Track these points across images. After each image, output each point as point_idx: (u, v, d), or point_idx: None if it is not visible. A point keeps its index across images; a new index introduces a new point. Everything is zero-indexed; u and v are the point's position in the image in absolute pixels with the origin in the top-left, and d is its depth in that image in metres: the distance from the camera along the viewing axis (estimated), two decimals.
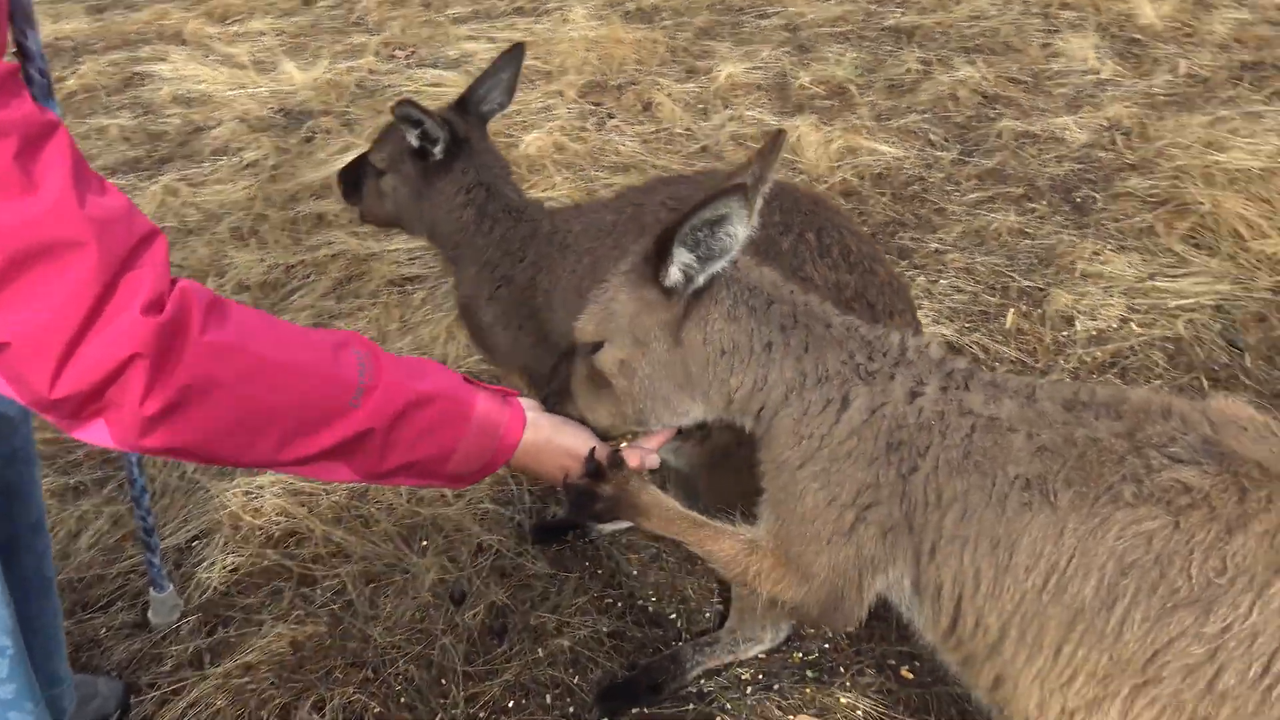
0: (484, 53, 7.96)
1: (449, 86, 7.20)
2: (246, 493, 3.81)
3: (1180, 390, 4.07)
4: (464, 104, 3.39)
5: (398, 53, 8.29)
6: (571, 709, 3.04)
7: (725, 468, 2.77)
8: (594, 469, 2.17)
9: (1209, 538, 1.68)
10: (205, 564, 3.56)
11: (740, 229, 1.97)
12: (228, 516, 3.71)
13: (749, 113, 6.62)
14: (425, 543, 3.63)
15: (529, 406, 2.28)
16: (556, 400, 2.31)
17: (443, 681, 3.15)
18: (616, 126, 6.62)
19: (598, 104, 6.97)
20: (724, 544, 2.17)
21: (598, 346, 2.18)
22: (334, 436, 1.93)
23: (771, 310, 2.11)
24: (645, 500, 2.19)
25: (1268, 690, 1.60)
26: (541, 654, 3.20)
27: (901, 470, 1.96)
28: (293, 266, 5.27)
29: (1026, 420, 1.90)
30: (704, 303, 2.11)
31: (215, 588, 3.49)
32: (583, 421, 2.30)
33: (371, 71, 7.88)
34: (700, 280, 2.07)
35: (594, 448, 2.21)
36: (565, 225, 3.13)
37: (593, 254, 2.95)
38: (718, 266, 2.05)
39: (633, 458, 2.26)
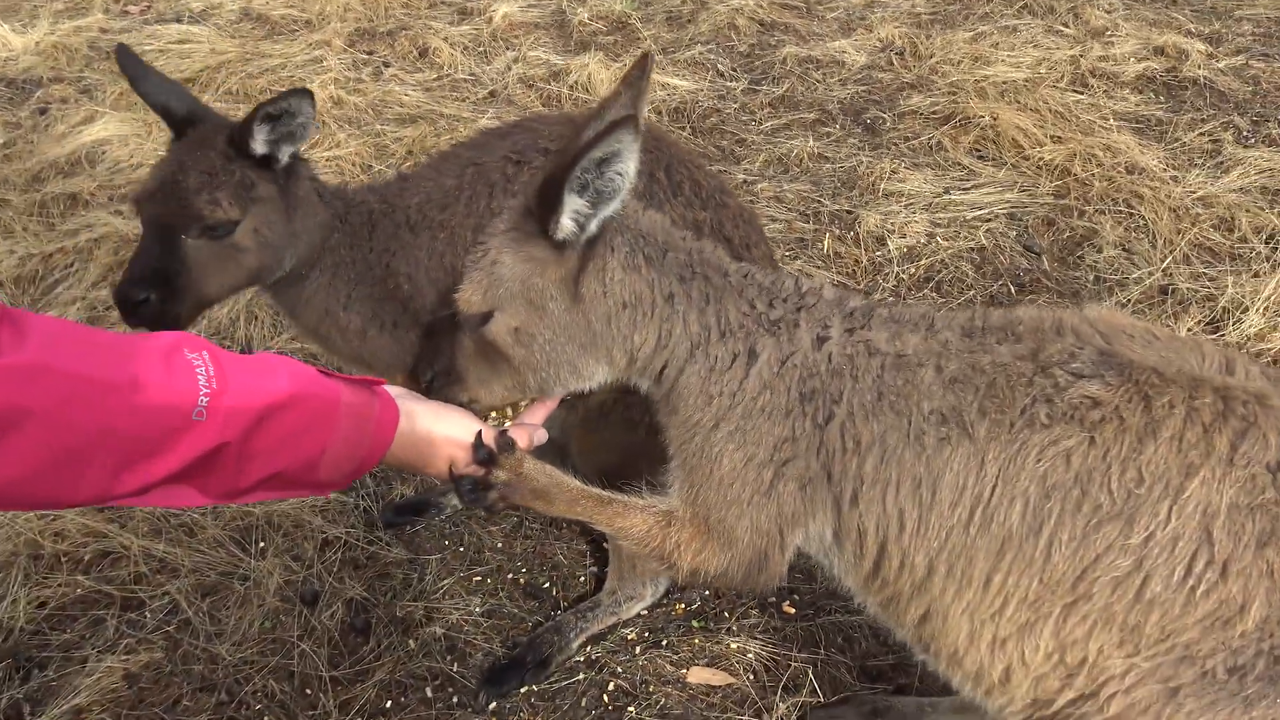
0: (230, 3, 7.30)
1: (197, 42, 6.56)
2: (42, 515, 3.35)
3: (991, 298, 4.27)
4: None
5: (130, 8, 7.48)
6: (456, 698, 2.87)
7: (601, 429, 2.64)
8: (485, 455, 2.00)
9: (1124, 450, 1.71)
10: (5, 602, 3.12)
11: (630, 165, 1.83)
12: (25, 545, 3.26)
13: (533, 53, 6.39)
14: (262, 544, 3.33)
15: (399, 394, 2.07)
16: (443, 384, 2.11)
17: (308, 691, 2.90)
18: (395, 75, 6.23)
19: (370, 52, 6.54)
20: (635, 519, 2.06)
21: (486, 318, 2.00)
22: (179, 457, 1.67)
23: (668, 259, 1.99)
24: (544, 483, 2.04)
25: (1191, 591, 1.66)
26: (414, 645, 3.00)
27: (817, 420, 1.91)
28: (50, 256, 4.67)
29: (932, 353, 1.88)
30: (599, 253, 1.96)
31: (22, 627, 3.07)
32: (472, 404, 2.11)
33: (103, 30, 7.07)
34: (593, 227, 1.91)
35: (480, 431, 2.03)
36: (400, 201, 2.81)
37: (446, 226, 2.70)
38: (610, 209, 1.90)
39: (521, 436, 2.10)
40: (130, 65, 2.71)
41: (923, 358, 1.87)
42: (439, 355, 2.11)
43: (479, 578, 3.21)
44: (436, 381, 2.12)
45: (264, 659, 2.97)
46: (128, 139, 5.47)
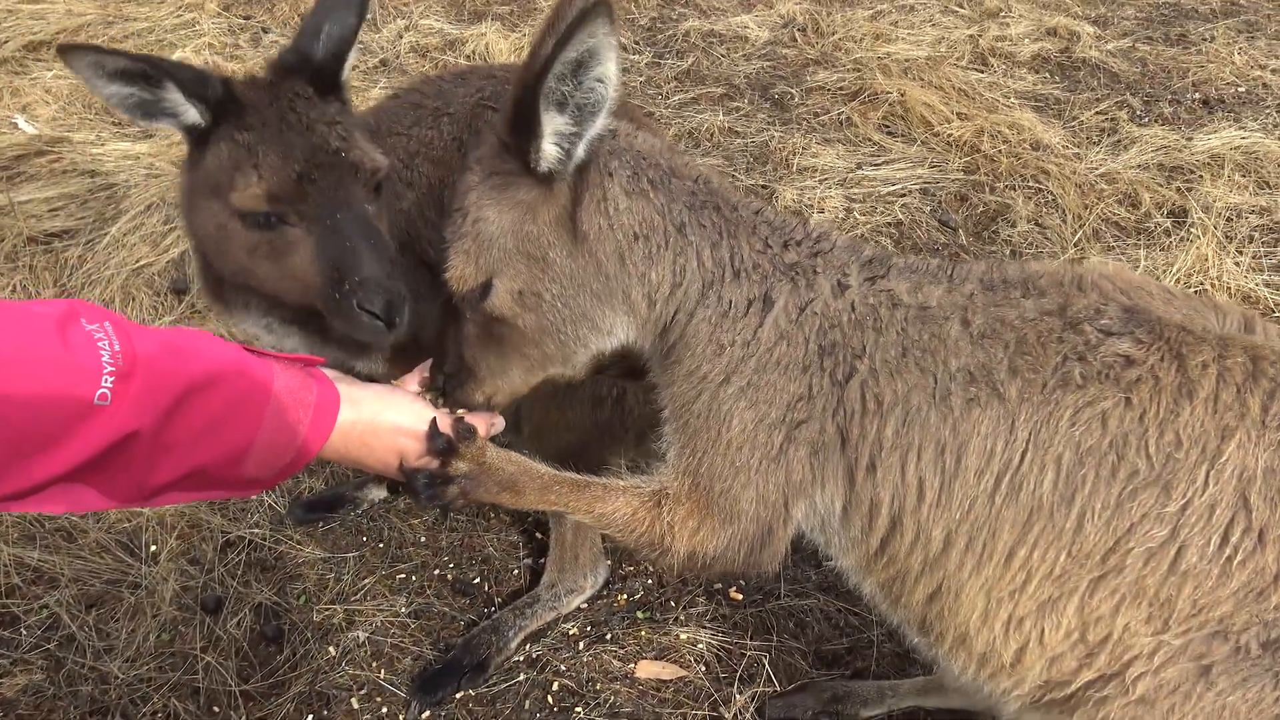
0: None
1: (51, 2, 6.00)
2: None
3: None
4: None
5: None
6: (385, 709, 2.62)
7: (565, 405, 2.43)
8: (443, 445, 1.76)
9: (1161, 411, 1.60)
10: None
11: (611, 67, 1.62)
12: None
13: (424, 22, 6.07)
14: (154, 547, 3.00)
15: (337, 377, 1.81)
16: (458, 384, 1.86)
17: (216, 709, 2.62)
18: (275, 41, 5.82)
19: (247, 17, 6.10)
20: (619, 503, 1.85)
21: (485, 289, 1.76)
22: (77, 451, 1.39)
23: (674, 184, 1.78)
24: (511, 472, 1.82)
25: (1227, 561, 1.57)
26: (334, 653, 2.74)
27: (836, 377, 1.74)
28: None
29: (957, 306, 1.74)
30: (593, 180, 1.74)
31: None
32: (491, 401, 1.87)
33: None
34: (581, 151, 1.69)
35: (434, 419, 1.79)
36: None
37: (446, 181, 2.41)
38: (597, 126, 1.68)
39: (479, 422, 1.87)
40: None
41: (948, 311, 1.73)
42: (448, 355, 1.86)
43: (403, 575, 2.95)
44: (450, 384, 1.88)
45: (163, 675, 2.66)
46: None
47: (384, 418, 1.77)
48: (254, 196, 2.00)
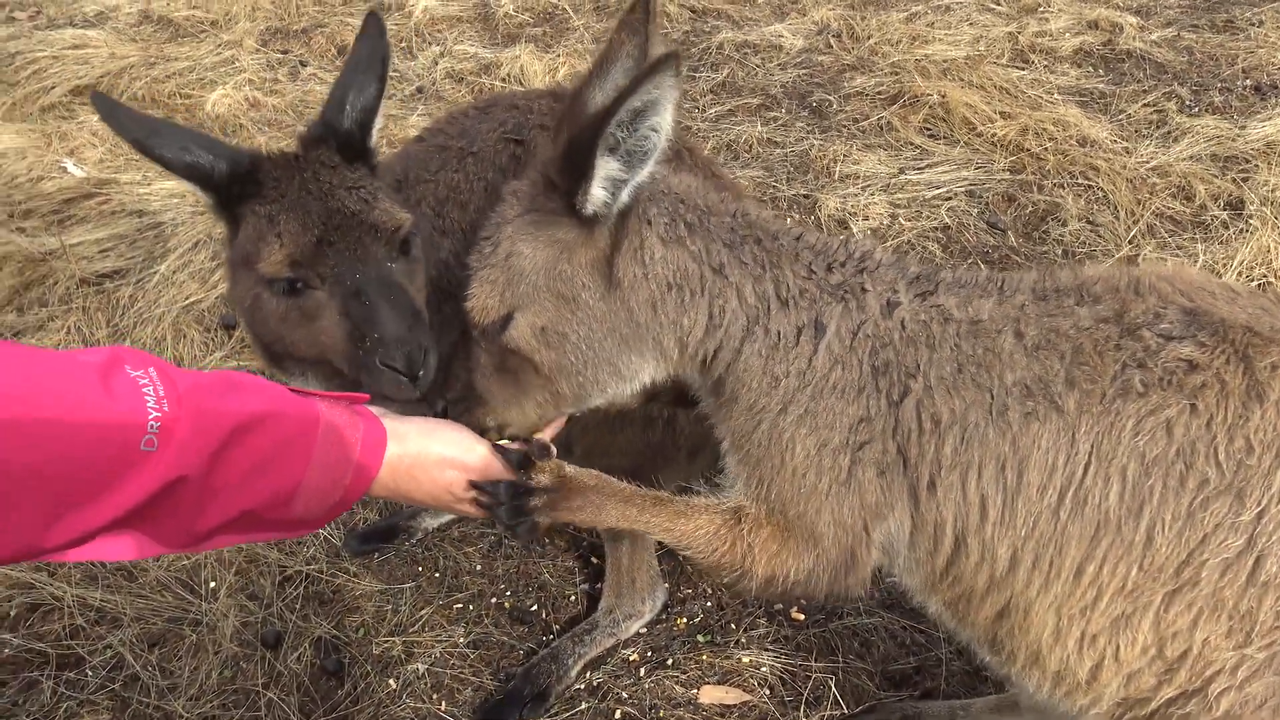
0: (128, 5, 6.84)
1: (95, 47, 6.12)
2: None
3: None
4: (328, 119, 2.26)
5: (18, 14, 6.97)
6: None
7: (617, 428, 2.40)
8: (520, 459, 1.74)
9: (1229, 416, 1.54)
10: None
11: (667, 118, 1.59)
12: None
13: (459, 47, 6.10)
14: (213, 584, 3.01)
15: (381, 413, 1.80)
16: (463, 409, 1.84)
17: None
18: (314, 75, 5.89)
19: (285, 51, 6.17)
20: (700, 521, 1.81)
21: (505, 321, 1.74)
22: (126, 498, 1.38)
23: (712, 224, 1.76)
24: (592, 484, 1.79)
25: None
26: (395, 685, 2.72)
27: (892, 397, 1.70)
28: None
29: (1009, 318, 1.69)
30: (633, 227, 1.72)
31: None
32: (501, 429, 1.85)
33: None
34: (625, 197, 1.67)
35: (502, 440, 1.78)
36: (415, 211, 2.40)
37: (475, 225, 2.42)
38: (645, 173, 1.65)
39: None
40: (116, 115, 2.11)
41: (1000, 323, 1.68)
42: (453, 380, 1.84)
43: (460, 605, 2.94)
44: (454, 408, 1.86)
45: (227, 713, 2.66)
46: (24, 151, 5.03)
47: (431, 450, 1.76)
48: (277, 263, 2.04)
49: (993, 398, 1.66)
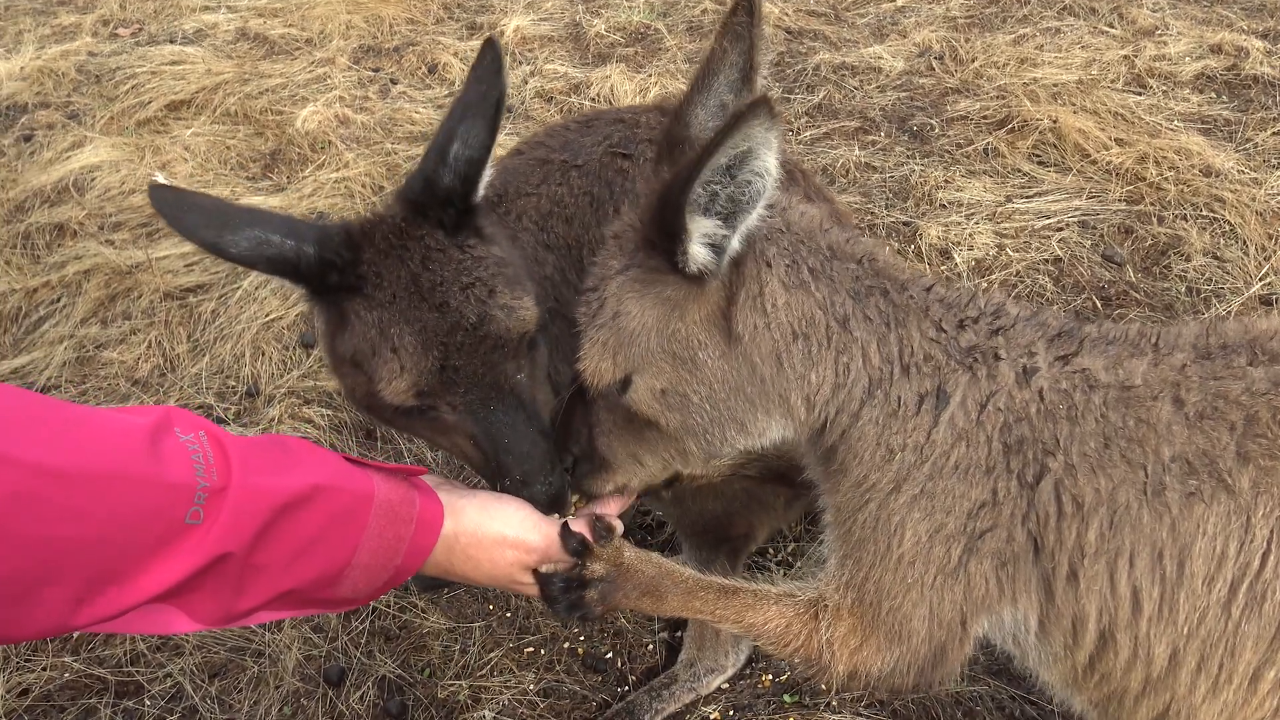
0: (226, 23, 6.93)
1: (192, 63, 6.19)
2: None
3: (1076, 314, 3.87)
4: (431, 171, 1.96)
5: (121, 30, 7.12)
6: None
7: (709, 491, 2.22)
8: (578, 546, 1.60)
9: None
10: None
11: (771, 160, 1.42)
12: None
13: (549, 66, 6.01)
14: None
15: (437, 484, 1.68)
16: (588, 471, 1.72)
17: None
18: (403, 93, 5.86)
19: (376, 69, 6.16)
20: (771, 613, 1.64)
21: (625, 384, 1.60)
22: (167, 575, 1.28)
23: (836, 269, 1.58)
24: (652, 574, 1.63)
25: None
26: None
27: (1025, 479, 1.50)
28: (35, 291, 4.26)
29: (1167, 382, 1.47)
30: (750, 273, 1.55)
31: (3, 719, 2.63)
32: (622, 490, 1.73)
33: (92, 54, 6.69)
34: (735, 244, 1.50)
35: (566, 521, 1.63)
36: (518, 225, 2.30)
37: (582, 241, 2.28)
38: (752, 219, 1.48)
39: (616, 525, 1.71)
40: (171, 206, 1.84)
41: (1156, 389, 1.47)
42: (575, 436, 1.70)
43: (531, 649, 2.77)
44: (578, 468, 1.72)
45: None
46: (119, 164, 5.08)
47: (489, 529, 1.64)
48: (401, 393, 1.82)
49: (1147, 476, 1.44)
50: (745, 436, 1.66)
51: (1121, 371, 1.50)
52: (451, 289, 1.82)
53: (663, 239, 1.51)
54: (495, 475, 1.84)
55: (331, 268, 1.82)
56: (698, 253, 1.51)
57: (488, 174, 1.97)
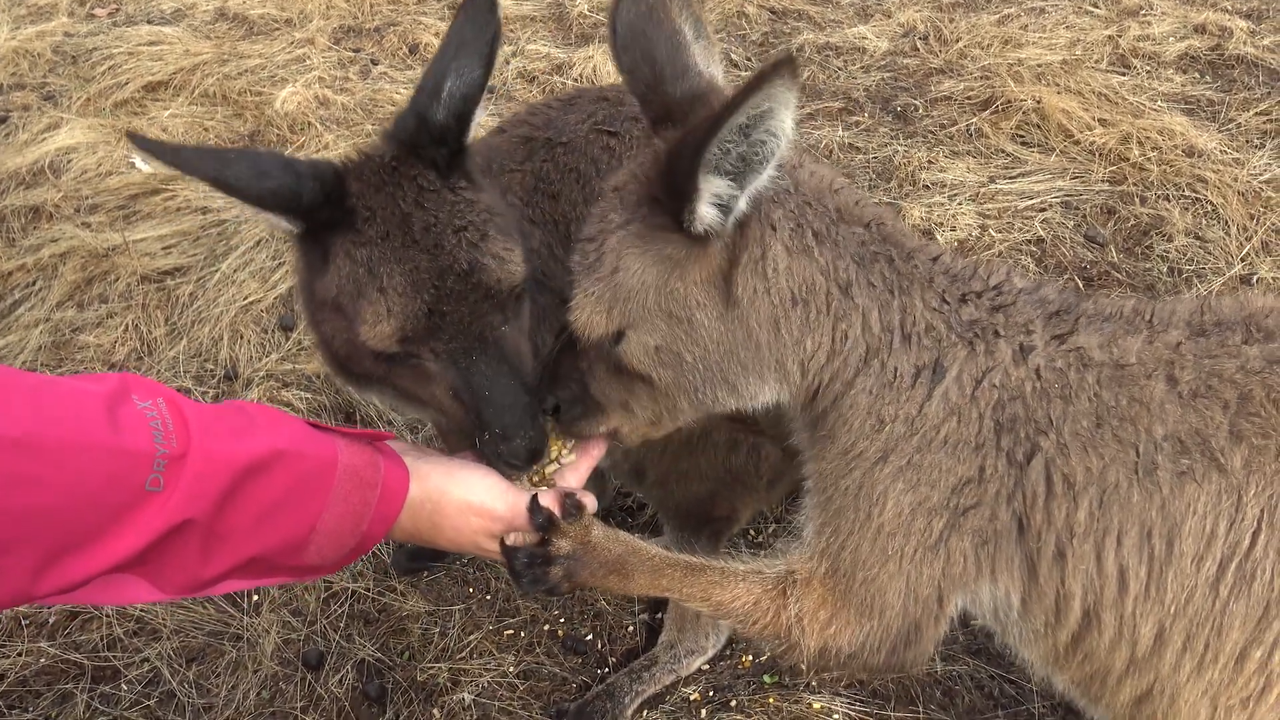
0: (205, 3, 6.84)
1: (170, 44, 6.11)
2: None
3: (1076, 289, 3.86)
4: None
5: (98, 10, 7.02)
6: None
7: (698, 450, 2.20)
8: (544, 520, 1.58)
9: None
10: None
11: (788, 120, 1.39)
12: None
13: (531, 47, 5.97)
14: (256, 597, 2.88)
15: (403, 450, 1.66)
16: (575, 415, 1.69)
17: None
18: (384, 74, 5.80)
19: (357, 50, 6.10)
20: (739, 590, 1.63)
21: (617, 337, 1.58)
22: (128, 543, 1.27)
23: (842, 234, 1.55)
24: (619, 552, 1.62)
25: None
26: (439, 715, 2.56)
27: (1015, 457, 1.49)
28: (10, 274, 4.21)
29: (1161, 360, 1.46)
30: (754, 235, 1.53)
31: None
32: (613, 437, 1.71)
33: (68, 34, 6.60)
34: (742, 205, 1.48)
35: (534, 495, 1.62)
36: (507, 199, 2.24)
37: (567, 217, 2.24)
38: (762, 180, 1.46)
39: (587, 501, 1.69)
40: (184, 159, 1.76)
41: (1149, 367, 1.46)
42: (564, 379, 1.67)
43: (511, 631, 2.76)
44: (564, 412, 1.69)
45: None
46: (95, 146, 5.02)
47: (454, 494, 1.62)
48: (385, 337, 1.74)
49: (1139, 455, 1.44)
50: (736, 398, 1.64)
51: (1116, 349, 1.49)
52: (445, 231, 1.76)
53: (670, 197, 1.49)
54: (474, 428, 1.78)
55: (323, 202, 1.76)
56: (705, 213, 1.48)
57: (480, 114, 1.90)
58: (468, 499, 1.63)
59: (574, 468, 1.81)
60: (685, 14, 1.62)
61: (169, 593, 1.37)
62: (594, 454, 1.84)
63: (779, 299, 1.55)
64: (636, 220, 1.55)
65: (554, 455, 1.78)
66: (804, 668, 1.66)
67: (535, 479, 1.74)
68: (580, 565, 1.61)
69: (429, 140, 1.83)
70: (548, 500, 1.63)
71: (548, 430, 1.77)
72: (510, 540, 1.63)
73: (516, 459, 1.73)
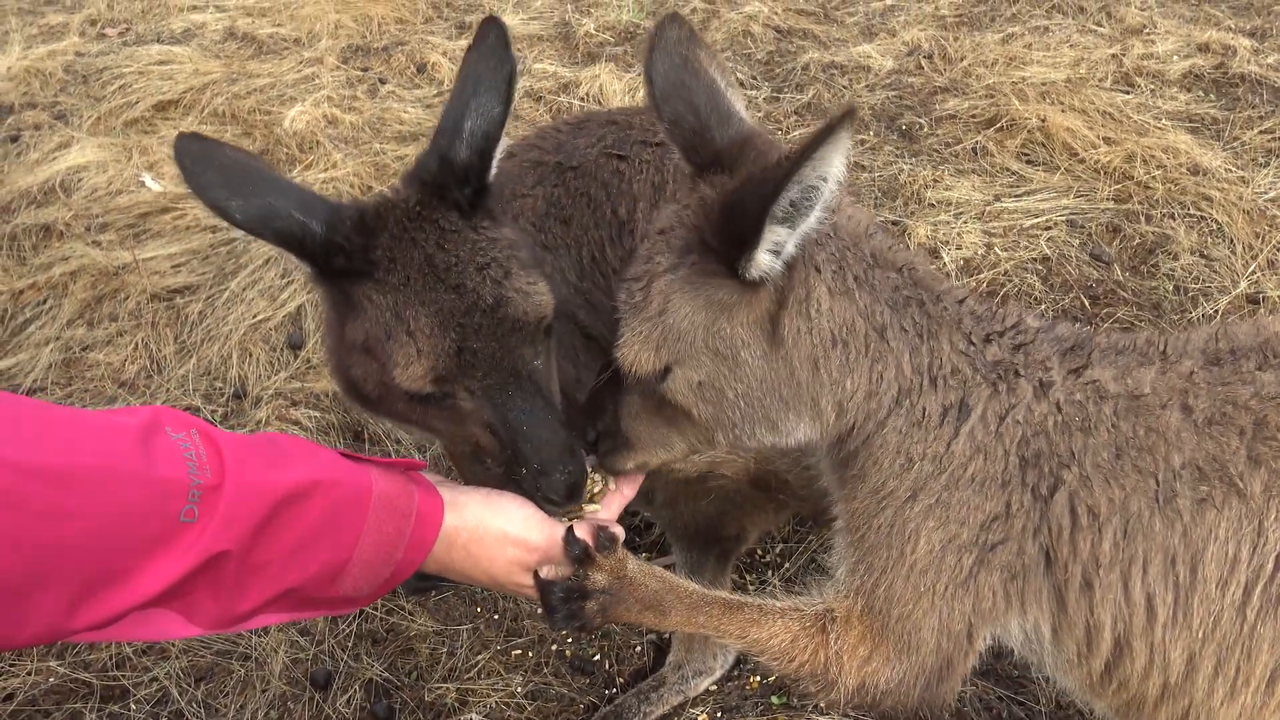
0: (214, 23, 6.90)
1: (180, 63, 6.16)
2: None
3: (1063, 312, 3.87)
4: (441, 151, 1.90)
5: (108, 30, 7.08)
6: None
7: (701, 491, 2.22)
8: (580, 552, 1.59)
9: None
10: None
11: (840, 166, 1.40)
12: None
13: (538, 65, 6.00)
14: None
15: (439, 482, 1.67)
16: (611, 449, 1.71)
17: None
18: (392, 92, 5.84)
19: (365, 69, 6.14)
20: (776, 628, 1.65)
21: (663, 374, 1.60)
22: (161, 576, 1.26)
23: (878, 277, 1.58)
24: (655, 588, 1.64)
25: None
26: None
27: (1040, 492, 1.51)
28: (21, 293, 4.24)
29: (1175, 389, 1.48)
30: (799, 277, 1.54)
31: None
32: (639, 469, 1.74)
33: (79, 54, 6.66)
34: (790, 249, 1.49)
35: (570, 526, 1.63)
36: (517, 224, 2.25)
37: (580, 241, 2.28)
38: (810, 223, 1.47)
39: (618, 533, 1.71)
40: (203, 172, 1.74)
41: (1164, 396, 1.48)
42: (603, 413, 1.70)
43: (518, 651, 2.77)
44: (602, 445, 1.72)
45: None
46: (106, 165, 5.05)
47: (490, 524, 1.62)
48: (417, 378, 1.74)
49: (1158, 483, 1.46)
50: (774, 434, 1.66)
51: (1130, 381, 1.51)
52: (467, 269, 1.76)
53: (726, 245, 1.50)
54: (512, 464, 1.78)
55: (339, 251, 1.75)
56: (763, 261, 1.50)
57: (500, 152, 1.90)
58: (505, 529, 1.63)
59: (607, 503, 1.82)
60: (713, 62, 1.65)
61: (203, 627, 1.37)
62: (627, 491, 1.86)
63: (820, 339, 1.57)
64: (684, 265, 1.56)
65: (593, 491, 1.80)
66: (840, 704, 1.67)
67: (572, 515, 1.76)
68: (615, 600, 1.63)
69: (453, 180, 1.83)
70: (582, 532, 1.65)
71: (586, 465, 1.79)
72: (544, 573, 1.64)
73: (556, 494, 1.73)
